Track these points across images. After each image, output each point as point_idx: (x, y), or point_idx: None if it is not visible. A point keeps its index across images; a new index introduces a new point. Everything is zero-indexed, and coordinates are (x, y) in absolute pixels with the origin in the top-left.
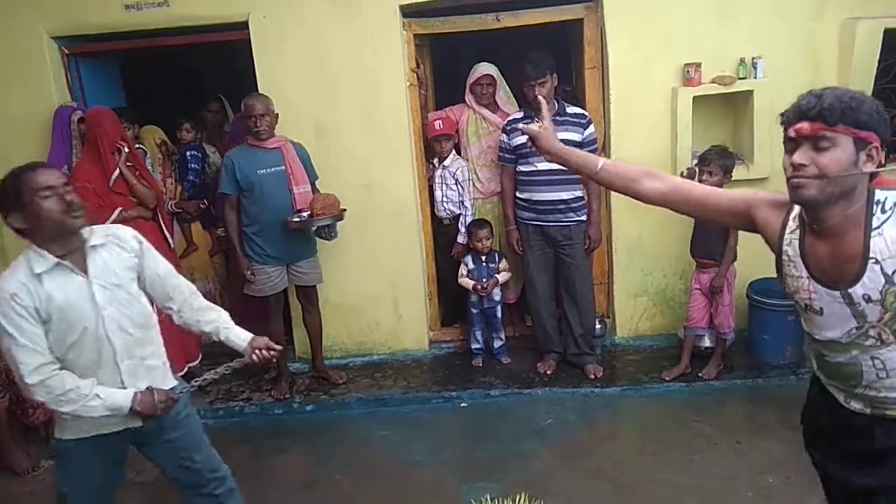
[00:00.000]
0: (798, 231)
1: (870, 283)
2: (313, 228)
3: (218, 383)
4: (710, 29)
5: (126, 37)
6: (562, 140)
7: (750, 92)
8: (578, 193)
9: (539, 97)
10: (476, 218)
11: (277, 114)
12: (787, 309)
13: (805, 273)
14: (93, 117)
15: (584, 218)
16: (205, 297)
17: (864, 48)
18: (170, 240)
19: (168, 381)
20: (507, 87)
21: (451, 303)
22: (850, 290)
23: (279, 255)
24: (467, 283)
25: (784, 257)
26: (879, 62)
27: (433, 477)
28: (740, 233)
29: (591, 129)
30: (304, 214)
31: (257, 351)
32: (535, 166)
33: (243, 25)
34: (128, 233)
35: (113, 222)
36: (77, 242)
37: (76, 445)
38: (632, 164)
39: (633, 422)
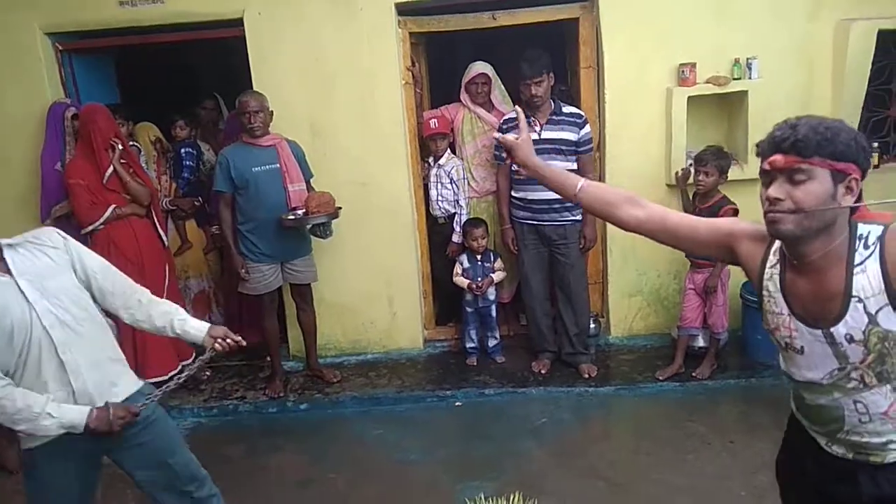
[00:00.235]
0: (779, 266)
1: (852, 323)
2: (308, 226)
3: (211, 381)
4: (706, 29)
5: (120, 33)
6: (558, 139)
7: (745, 92)
8: None
9: (517, 108)
10: (471, 217)
11: (272, 111)
12: None
13: (786, 310)
14: (86, 114)
15: (579, 217)
16: (199, 295)
17: (858, 49)
18: (164, 237)
19: (127, 383)
20: (502, 87)
21: (445, 302)
22: (832, 330)
23: (274, 253)
24: (462, 282)
25: (765, 293)
26: (873, 63)
27: (427, 476)
28: None
29: (587, 128)
30: (299, 212)
31: (219, 340)
32: None
33: (238, 22)
34: (45, 231)
35: (107, 219)
36: None
37: (43, 453)
38: (614, 189)
39: (627, 421)
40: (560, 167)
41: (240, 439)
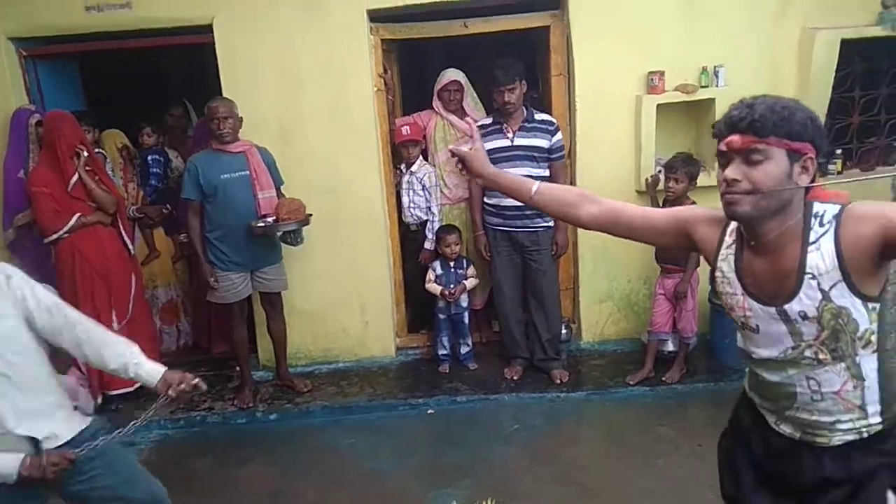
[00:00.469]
0: (734, 246)
1: (806, 300)
2: (278, 234)
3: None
4: (674, 38)
5: (86, 39)
6: (530, 146)
7: (712, 100)
8: None
9: (467, 118)
10: (444, 224)
11: (241, 117)
12: None
13: (739, 290)
14: (51, 120)
15: (551, 223)
16: (167, 304)
17: (822, 58)
18: (130, 246)
19: (69, 427)
20: (474, 94)
21: (417, 309)
22: (785, 307)
23: (243, 261)
24: (435, 288)
25: (718, 273)
26: (837, 71)
27: (399, 484)
28: None
29: (559, 135)
30: (269, 220)
31: (173, 387)
32: (504, 172)
33: (207, 28)
34: None
35: (71, 228)
36: None
37: None
38: (567, 188)
39: (598, 426)
40: (532, 174)
41: (208, 451)
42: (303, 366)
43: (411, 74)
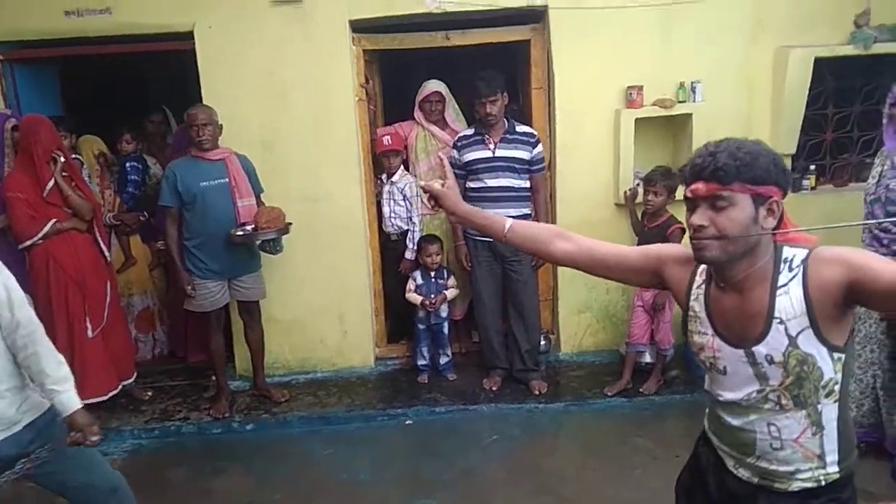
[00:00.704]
0: (704, 286)
1: (773, 343)
2: (257, 242)
3: (152, 402)
4: (652, 53)
5: (66, 44)
6: (511, 158)
7: (689, 115)
8: (526, 211)
9: (441, 156)
10: (425, 234)
11: (221, 125)
12: None
13: (710, 330)
14: (27, 125)
15: None
16: (143, 312)
17: (796, 75)
18: (106, 253)
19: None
20: (455, 105)
21: (397, 319)
22: (753, 349)
23: (221, 269)
24: (415, 298)
25: (691, 313)
26: (810, 89)
27: (377, 495)
28: None
29: (539, 148)
30: (249, 228)
31: (72, 433)
32: (485, 183)
33: (189, 35)
34: None
35: (46, 234)
36: None
37: None
38: (541, 226)
39: (576, 437)
40: (514, 185)
41: (182, 462)
42: (280, 375)
43: (393, 85)
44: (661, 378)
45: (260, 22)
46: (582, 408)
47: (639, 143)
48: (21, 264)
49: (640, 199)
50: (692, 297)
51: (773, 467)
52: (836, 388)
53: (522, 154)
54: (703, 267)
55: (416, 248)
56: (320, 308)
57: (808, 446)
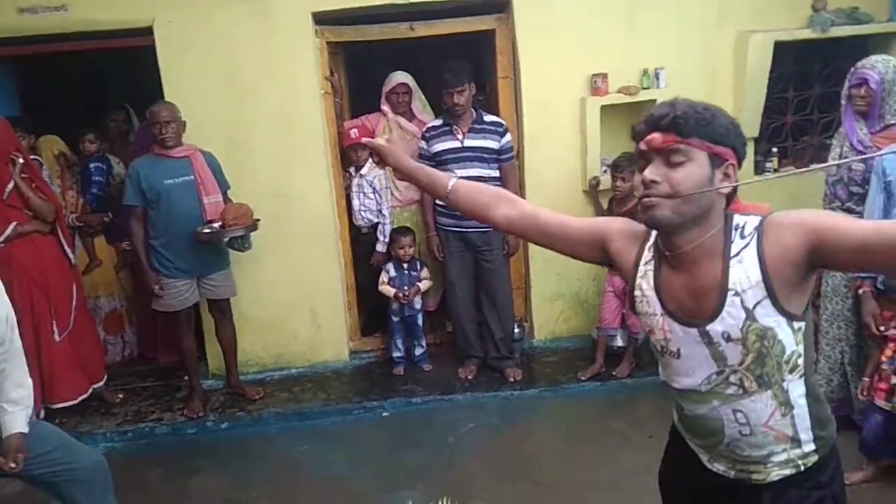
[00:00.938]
0: (653, 262)
1: (729, 320)
2: (225, 240)
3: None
4: (616, 40)
5: (21, 42)
6: (480, 147)
7: (654, 101)
8: None
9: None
10: (397, 226)
11: (185, 121)
12: None
13: (659, 309)
14: None
15: None
16: (110, 314)
17: (757, 60)
18: (70, 255)
19: None
20: (422, 96)
21: (371, 312)
22: (707, 328)
23: (189, 268)
24: (388, 290)
25: (637, 292)
26: (771, 73)
27: (356, 488)
28: None
29: (508, 137)
30: (216, 225)
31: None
32: (455, 173)
33: (148, 31)
34: None
35: (7, 237)
36: None
37: None
38: (486, 188)
39: (551, 422)
40: (483, 175)
41: (157, 463)
42: (254, 373)
43: (359, 77)
44: (633, 361)
45: (221, 15)
46: (556, 393)
47: (605, 130)
48: None
49: (608, 185)
50: (639, 275)
51: (745, 453)
52: (800, 361)
53: (491, 144)
54: (650, 242)
55: (387, 240)
56: (292, 304)
57: (779, 428)
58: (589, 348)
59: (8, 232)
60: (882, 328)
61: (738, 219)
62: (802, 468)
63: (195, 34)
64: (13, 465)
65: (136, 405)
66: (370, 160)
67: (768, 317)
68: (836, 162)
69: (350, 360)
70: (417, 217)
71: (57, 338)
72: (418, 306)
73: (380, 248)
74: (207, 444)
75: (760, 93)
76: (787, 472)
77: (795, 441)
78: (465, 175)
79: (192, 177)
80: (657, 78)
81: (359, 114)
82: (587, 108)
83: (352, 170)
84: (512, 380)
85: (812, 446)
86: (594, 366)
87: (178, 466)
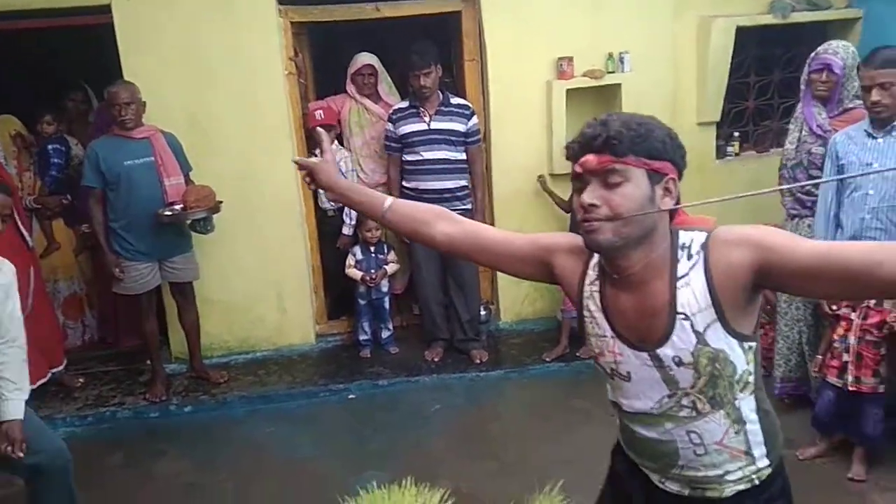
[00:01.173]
0: (598, 282)
1: (680, 343)
2: (187, 222)
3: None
4: (582, 24)
5: None
6: (447, 130)
7: (618, 85)
8: (463, 183)
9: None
10: None
11: (145, 102)
12: None
13: (609, 331)
14: None
15: (469, 206)
16: (70, 298)
17: (719, 45)
18: (28, 238)
19: None
20: (388, 78)
21: (337, 295)
22: (658, 352)
23: (150, 250)
24: (355, 273)
25: (586, 313)
26: (733, 58)
27: (321, 470)
28: None
29: (475, 120)
30: (177, 207)
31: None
32: (422, 155)
33: (106, 9)
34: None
35: None
36: None
37: None
38: (425, 206)
39: (517, 402)
40: (450, 157)
41: (119, 448)
42: (219, 357)
43: (324, 58)
44: None
45: None
46: (522, 374)
47: (570, 113)
48: None
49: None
50: (585, 295)
51: (701, 474)
52: (751, 378)
53: (458, 126)
54: (595, 260)
55: (353, 223)
56: (258, 287)
57: (733, 445)
58: (554, 330)
59: None
60: (834, 307)
61: (683, 237)
62: (757, 482)
63: (155, 12)
64: (20, 454)
65: (98, 389)
66: (335, 143)
67: (720, 340)
68: (784, 187)
69: (316, 344)
70: None
71: None
72: (385, 289)
73: (346, 230)
74: (171, 428)
75: (722, 77)
76: (742, 486)
77: (749, 456)
78: (431, 157)
79: (153, 158)
80: (622, 62)
81: (324, 95)
82: (553, 91)
83: (317, 152)
84: (478, 361)
85: (766, 461)
86: (559, 347)
87: (141, 451)
